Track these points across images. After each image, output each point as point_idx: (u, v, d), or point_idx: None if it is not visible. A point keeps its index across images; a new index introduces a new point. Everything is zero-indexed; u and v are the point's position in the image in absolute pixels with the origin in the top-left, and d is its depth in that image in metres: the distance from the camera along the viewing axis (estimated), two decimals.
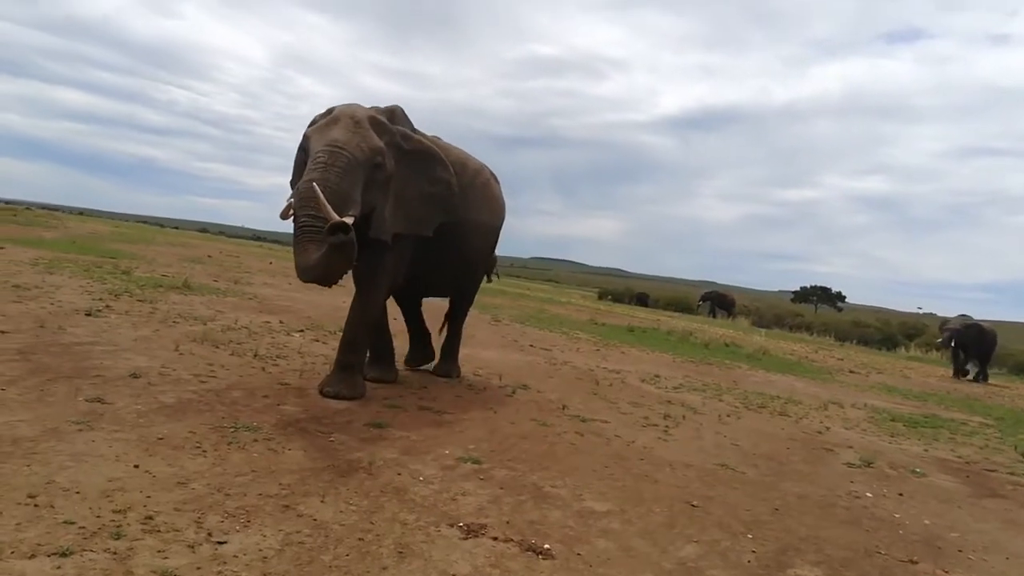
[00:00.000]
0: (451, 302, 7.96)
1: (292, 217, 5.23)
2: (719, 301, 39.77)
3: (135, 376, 5.37)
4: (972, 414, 11.65)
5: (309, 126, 5.88)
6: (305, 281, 5.24)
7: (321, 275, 5.10)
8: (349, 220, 4.97)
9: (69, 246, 15.94)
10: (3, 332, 6.08)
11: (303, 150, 5.75)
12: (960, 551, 4.45)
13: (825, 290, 71.77)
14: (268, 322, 8.84)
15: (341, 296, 13.75)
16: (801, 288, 72.59)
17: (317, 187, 4.97)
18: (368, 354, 6.54)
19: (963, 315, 20.84)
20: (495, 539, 3.50)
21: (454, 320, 7.92)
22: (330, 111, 5.87)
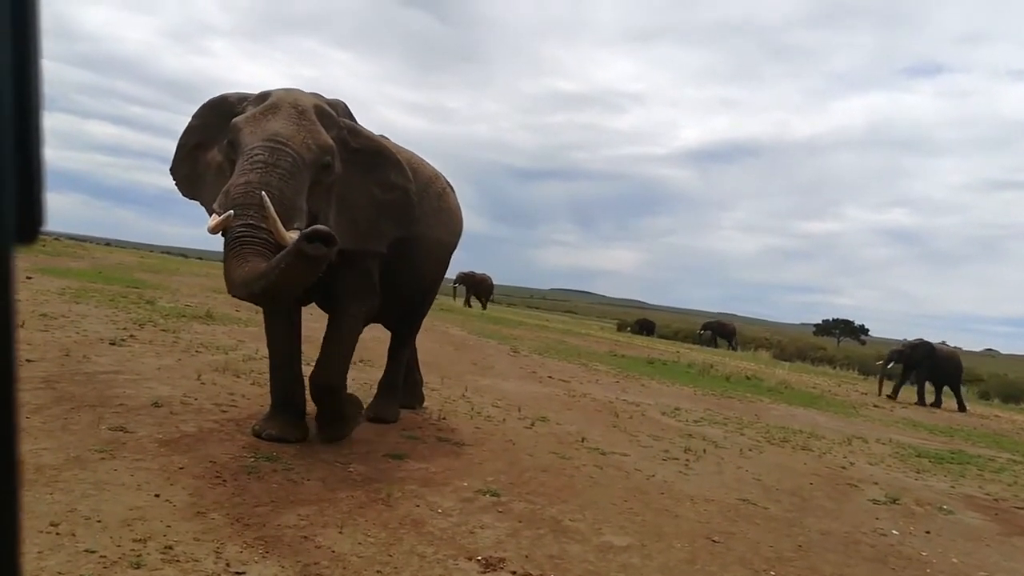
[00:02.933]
0: (393, 332, 6.86)
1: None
2: (720, 331, 40.16)
3: (157, 405, 5.42)
4: (1000, 450, 11.40)
5: (211, 104, 5.04)
6: (240, 296, 4.28)
7: (266, 288, 4.06)
8: (295, 235, 4.13)
9: (95, 276, 16.18)
10: (29, 361, 6.17)
11: (231, 145, 4.56)
12: None
13: (848, 323, 70.99)
14: None
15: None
16: (823, 321, 71.85)
17: (266, 195, 4.08)
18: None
19: (921, 339, 19.34)
20: (513, 573, 3.47)
21: (397, 352, 6.81)
22: (264, 96, 4.75)
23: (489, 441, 6.19)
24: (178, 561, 3.00)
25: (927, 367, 18.13)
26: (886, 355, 19.49)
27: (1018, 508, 6.89)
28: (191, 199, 5.19)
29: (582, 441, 6.80)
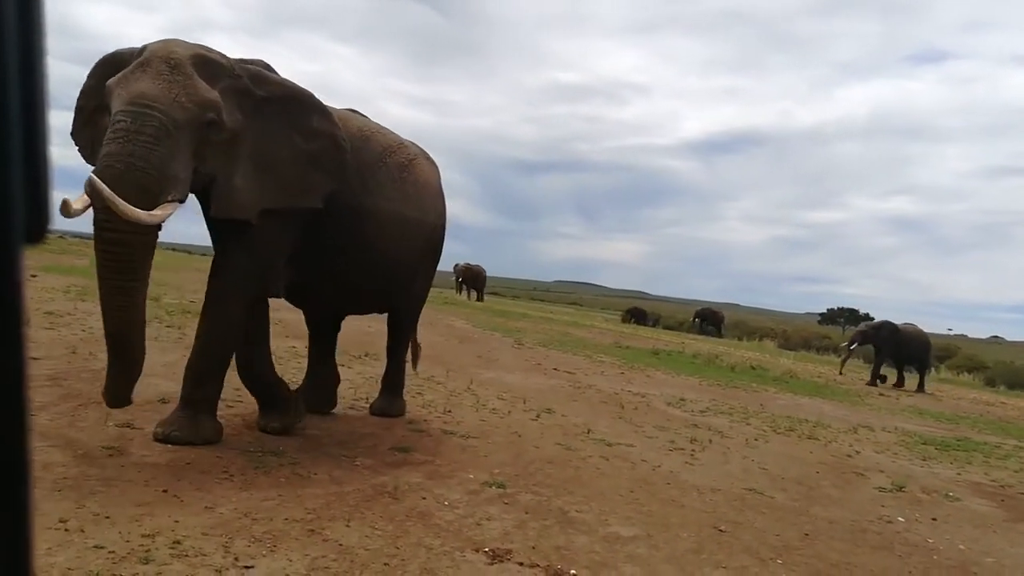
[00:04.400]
0: (388, 324, 6.56)
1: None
2: (710, 319, 42.05)
3: (164, 401, 5.44)
4: (1006, 437, 11.38)
5: (104, 61, 4.50)
6: None
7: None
8: (169, 209, 3.92)
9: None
10: (36, 358, 6.19)
11: (108, 110, 4.08)
12: None
13: (853, 312, 70.85)
14: (294, 347, 8.90)
15: (367, 321, 13.77)
16: (828, 310, 71.80)
17: (96, 178, 3.63)
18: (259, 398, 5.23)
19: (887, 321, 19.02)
20: (520, 564, 3.48)
21: (394, 350, 6.48)
22: (141, 51, 4.21)
23: (495, 433, 6.20)
24: (187, 556, 3.01)
25: (891, 347, 17.95)
26: (851, 336, 19.33)
27: None
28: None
29: (588, 432, 6.81)
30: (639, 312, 44.28)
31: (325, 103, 4.98)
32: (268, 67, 4.87)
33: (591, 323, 29.13)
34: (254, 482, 4.04)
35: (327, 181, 4.84)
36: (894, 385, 17.88)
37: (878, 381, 17.81)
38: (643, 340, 21.77)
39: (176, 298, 12.98)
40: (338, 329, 6.43)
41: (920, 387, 17.91)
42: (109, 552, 2.93)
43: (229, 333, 4.74)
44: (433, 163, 6.32)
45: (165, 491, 3.69)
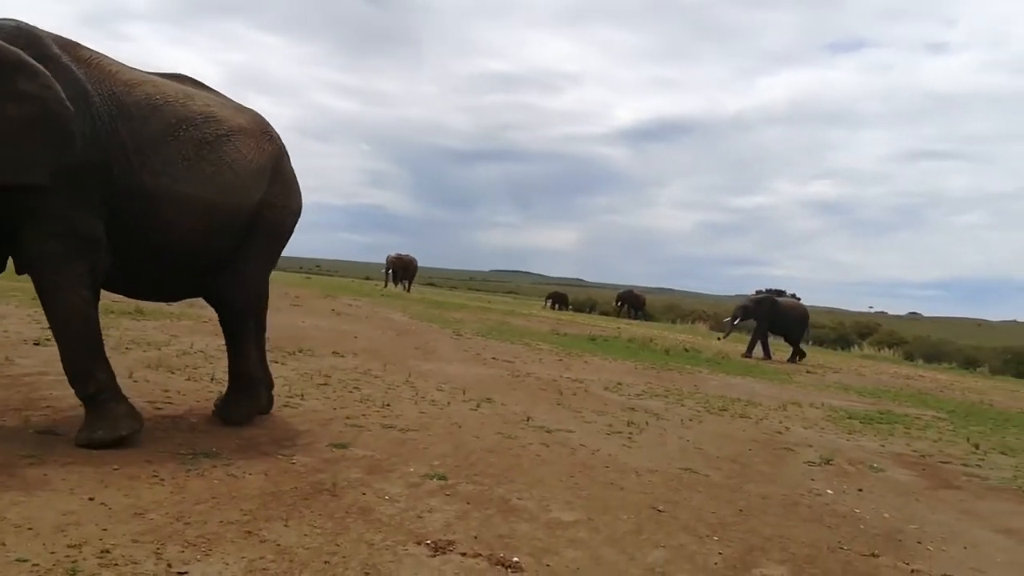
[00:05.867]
0: (219, 319, 5.79)
1: None
2: (632, 302, 43.45)
3: None
4: (925, 408, 11.95)
5: None
6: None
7: None
8: None
9: (14, 276, 15.48)
10: None
11: None
12: (919, 543, 4.55)
13: (780, 292, 73.08)
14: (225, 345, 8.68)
15: (300, 316, 13.52)
16: (756, 292, 73.88)
17: None
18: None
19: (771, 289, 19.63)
20: (463, 555, 3.47)
21: (231, 341, 5.65)
22: None
23: (434, 425, 6.17)
24: (116, 565, 2.91)
25: (769, 320, 18.60)
26: (733, 311, 20.00)
27: (943, 463, 7.24)
28: None
29: (527, 420, 6.85)
30: (560, 297, 45.17)
31: (46, 61, 4.28)
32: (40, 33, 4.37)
33: (529, 311, 29.28)
34: (186, 485, 3.92)
35: (49, 153, 4.21)
36: (762, 358, 18.45)
37: (751, 353, 18.40)
38: (580, 327, 21.99)
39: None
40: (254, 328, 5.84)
41: (792, 357, 18.54)
42: (33, 565, 2.81)
43: (72, 311, 4.54)
44: (266, 140, 5.49)
45: (91, 499, 3.55)
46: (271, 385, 5.95)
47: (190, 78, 5.38)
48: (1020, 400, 15.86)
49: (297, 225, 5.97)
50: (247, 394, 5.53)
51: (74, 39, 4.69)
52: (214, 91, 5.50)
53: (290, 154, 5.83)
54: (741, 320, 19.37)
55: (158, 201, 4.72)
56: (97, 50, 4.78)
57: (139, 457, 4.26)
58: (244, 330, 5.64)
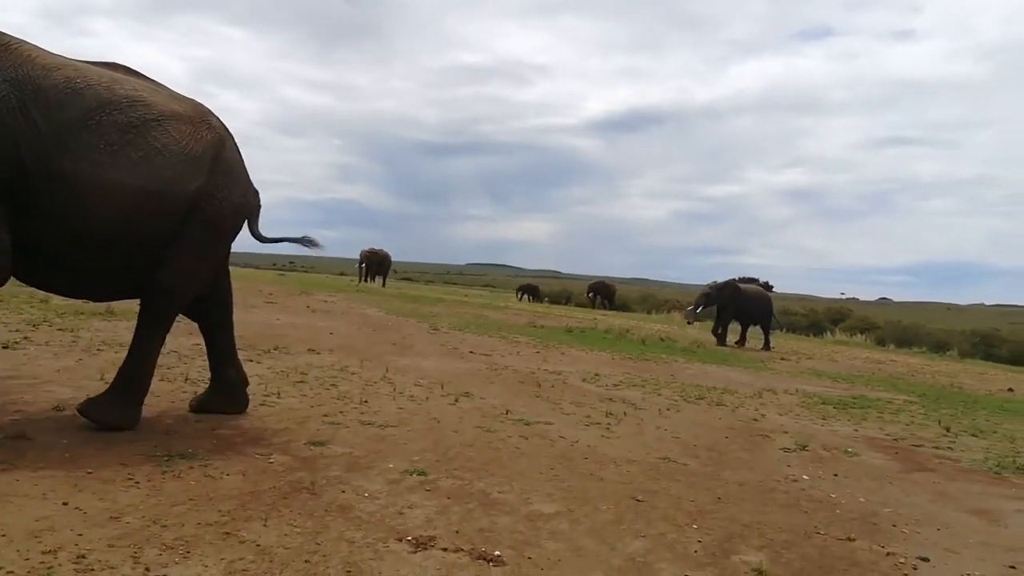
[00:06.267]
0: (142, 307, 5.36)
1: None
2: (604, 292, 43.47)
3: (59, 409, 5.14)
4: (897, 392, 12.15)
5: None
6: None
7: None
8: None
9: None
10: None
11: None
12: (894, 526, 4.63)
13: (753, 280, 73.76)
14: (198, 344, 8.55)
15: (275, 313, 13.41)
16: (728, 280, 74.51)
17: None
18: None
19: (739, 277, 19.70)
20: (445, 550, 3.48)
21: (135, 339, 5.23)
22: None
23: (413, 421, 6.15)
24: (92, 570, 2.87)
25: (733, 307, 18.72)
26: (696, 299, 20.08)
27: (916, 446, 7.37)
28: None
29: (506, 413, 6.85)
30: (532, 288, 45.29)
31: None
32: None
33: (505, 304, 29.29)
34: (162, 487, 3.88)
35: None
36: (735, 344, 18.66)
37: (724, 341, 18.57)
38: (557, 319, 22.04)
39: (67, 299, 12.29)
40: (223, 327, 5.82)
41: (766, 345, 18.72)
42: (7, 572, 2.76)
43: None
44: (205, 127, 5.19)
45: (65, 503, 3.49)
46: (246, 383, 5.89)
47: (124, 66, 5.15)
48: (989, 382, 16.19)
49: (257, 221, 5.74)
50: (127, 395, 5.06)
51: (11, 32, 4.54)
52: (150, 79, 5.25)
53: (248, 148, 5.61)
54: (704, 308, 19.51)
55: (79, 187, 4.52)
56: (24, 39, 4.59)
57: (113, 460, 4.20)
58: (152, 326, 5.22)
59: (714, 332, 18.86)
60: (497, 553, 3.50)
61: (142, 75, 5.22)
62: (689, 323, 19.44)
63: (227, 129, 5.50)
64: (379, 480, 4.43)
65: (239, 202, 5.48)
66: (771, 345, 18.81)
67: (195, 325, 5.92)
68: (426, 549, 3.46)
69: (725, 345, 18.37)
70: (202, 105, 5.40)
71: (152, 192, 4.80)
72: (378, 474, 4.55)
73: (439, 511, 4.01)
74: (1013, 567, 4.04)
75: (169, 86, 5.34)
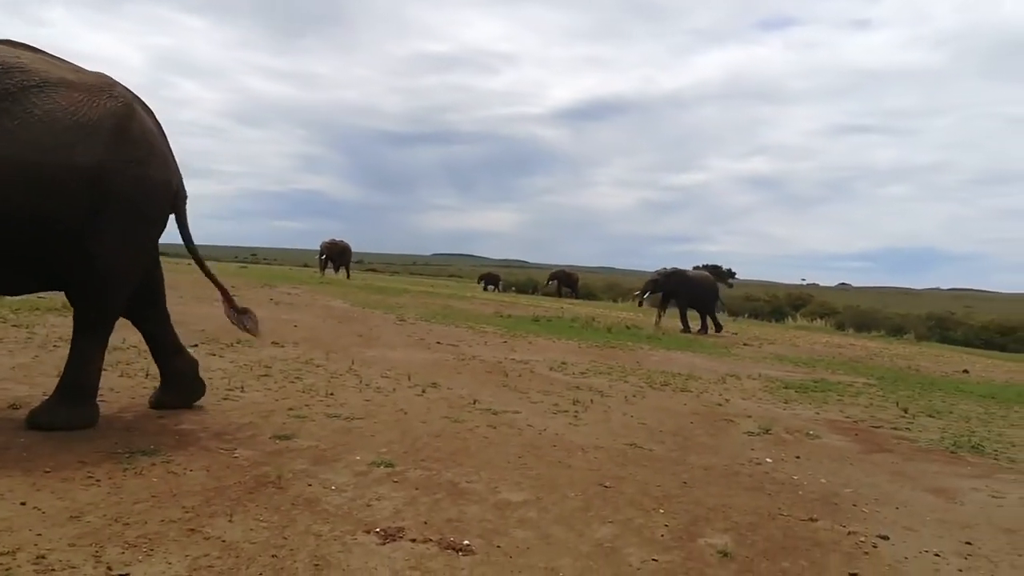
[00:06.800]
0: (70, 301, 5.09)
1: None
2: (566, 280, 43.28)
3: (15, 407, 5.03)
4: (857, 376, 12.41)
5: None
6: None
7: None
8: None
9: None
10: None
11: None
12: (855, 505, 4.73)
13: (716, 268, 74.61)
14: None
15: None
16: (694, 267, 75.33)
17: None
18: None
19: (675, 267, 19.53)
20: (413, 541, 3.47)
21: (72, 345, 4.96)
22: None
23: (380, 412, 6.12)
24: (53, 570, 2.81)
25: (681, 294, 19.01)
26: (643, 285, 20.33)
27: (875, 428, 7.54)
28: None
29: (474, 403, 6.85)
30: (493, 277, 45.22)
31: None
32: None
33: (472, 295, 29.25)
34: (123, 485, 3.81)
35: None
36: (697, 332, 18.86)
37: (688, 327, 18.85)
38: (524, 308, 22.07)
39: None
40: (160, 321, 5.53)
41: (703, 329, 18.96)
42: None
43: None
44: (104, 96, 4.73)
45: (23, 503, 3.41)
46: (196, 366, 5.69)
47: (17, 41, 4.80)
48: (944, 364, 16.62)
49: (185, 214, 5.42)
50: (74, 395, 4.80)
51: None
52: (47, 53, 4.88)
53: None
54: (651, 293, 19.75)
55: None
56: None
57: (72, 458, 4.11)
58: (88, 329, 4.88)
59: (683, 319, 19.10)
60: (466, 542, 3.50)
61: (34, 48, 4.84)
62: (640, 305, 19.83)
63: (141, 101, 5.12)
64: (346, 472, 4.40)
65: (160, 179, 5.00)
66: (712, 329, 19.07)
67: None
68: (395, 540, 3.45)
69: (689, 330, 18.60)
70: (108, 77, 4.98)
71: (30, 163, 4.34)
72: (345, 467, 4.52)
73: (407, 502, 4.00)
74: (969, 543, 4.15)
75: (125, 76, 5.14)
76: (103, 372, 5.74)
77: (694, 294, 19.05)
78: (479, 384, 8.01)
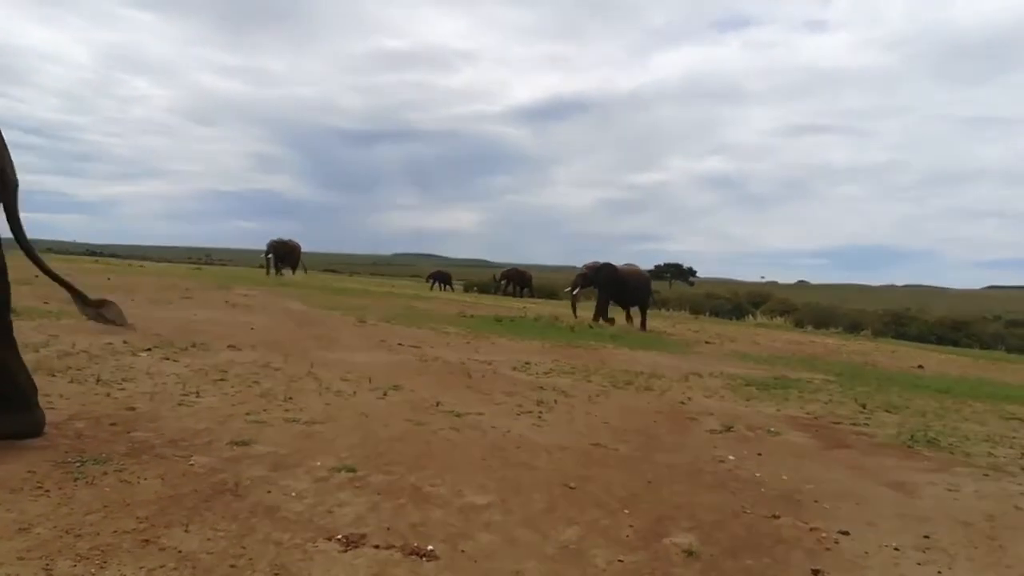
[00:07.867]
0: None
1: None
2: (518, 279, 42.95)
3: None
4: (816, 372, 12.61)
5: None
6: None
7: None
8: None
9: None
10: None
11: None
12: (816, 501, 4.78)
13: (677, 267, 75.55)
14: (110, 343, 8.19)
15: (192, 309, 12.94)
16: (656, 266, 76.14)
17: None
18: None
19: (607, 262, 19.57)
20: (376, 547, 3.41)
21: None
22: None
23: (341, 416, 6.03)
24: None
25: (611, 288, 19.21)
26: (573, 280, 20.47)
27: (834, 423, 7.65)
28: None
29: (437, 405, 6.79)
30: (443, 276, 45.04)
31: None
32: None
33: (435, 295, 29.12)
34: (75, 495, 3.67)
35: None
36: (608, 321, 19.07)
37: (601, 319, 19.05)
38: (486, 308, 22.03)
39: None
40: None
41: (642, 326, 19.18)
42: None
43: None
44: None
45: None
46: (35, 391, 4.76)
47: None
48: (900, 360, 17.00)
49: (16, 204, 4.94)
50: (11, 403, 4.44)
51: None
52: None
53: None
54: (581, 288, 19.94)
55: None
56: None
57: (20, 468, 3.96)
58: None
59: (597, 312, 19.30)
60: (430, 548, 3.45)
61: None
62: (575, 314, 20.09)
63: None
64: (306, 478, 4.31)
65: None
66: (647, 326, 19.27)
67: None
68: (357, 547, 3.39)
69: (606, 321, 18.84)
70: None
71: None
72: (305, 472, 4.43)
73: (369, 508, 3.93)
74: (927, 536, 4.22)
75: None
76: (51, 379, 5.56)
77: (624, 289, 19.16)
78: (442, 386, 7.94)
